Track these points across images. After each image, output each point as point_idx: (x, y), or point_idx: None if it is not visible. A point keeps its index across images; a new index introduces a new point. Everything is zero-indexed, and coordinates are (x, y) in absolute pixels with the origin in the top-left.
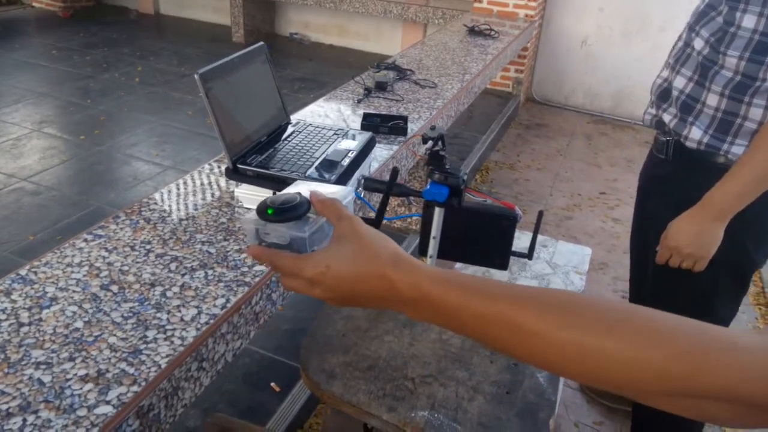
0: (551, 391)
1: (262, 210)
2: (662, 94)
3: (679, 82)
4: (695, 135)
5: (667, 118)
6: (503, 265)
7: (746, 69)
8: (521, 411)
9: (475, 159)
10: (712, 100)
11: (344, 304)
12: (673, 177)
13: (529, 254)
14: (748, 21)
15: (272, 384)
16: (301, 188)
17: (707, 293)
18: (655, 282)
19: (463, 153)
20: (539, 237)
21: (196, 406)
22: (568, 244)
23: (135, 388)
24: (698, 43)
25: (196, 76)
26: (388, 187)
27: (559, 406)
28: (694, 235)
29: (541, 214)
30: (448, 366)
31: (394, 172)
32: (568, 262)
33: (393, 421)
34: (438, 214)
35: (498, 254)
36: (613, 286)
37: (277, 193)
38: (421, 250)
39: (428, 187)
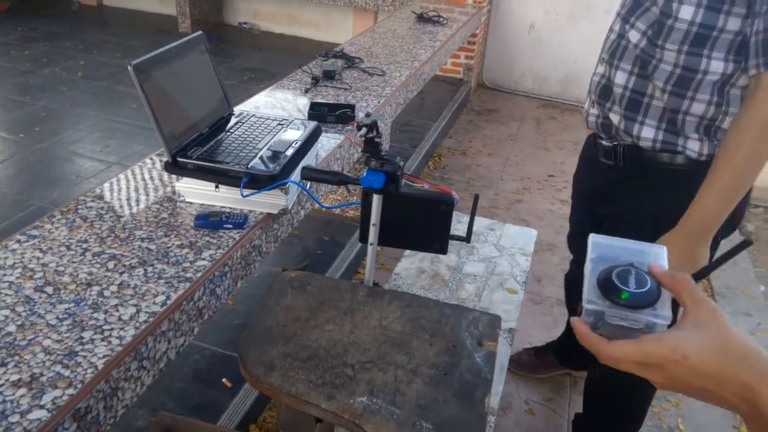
0: (488, 370)
1: (613, 291)
2: (603, 92)
3: (620, 78)
4: (648, 134)
5: (615, 118)
6: (442, 250)
7: (686, 62)
8: (458, 391)
9: (428, 146)
10: (657, 93)
11: (674, 390)
12: (629, 180)
13: (467, 238)
14: (685, 12)
15: (224, 380)
16: (615, 253)
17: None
18: None
19: (415, 140)
20: (487, 221)
21: (144, 406)
22: (515, 226)
23: (70, 390)
24: (634, 36)
25: (129, 67)
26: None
27: (509, 384)
28: (681, 262)
29: (476, 197)
30: (388, 351)
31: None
32: (515, 244)
33: (331, 409)
34: (376, 200)
35: (437, 239)
36: (561, 266)
37: (609, 262)
38: (362, 238)
39: (365, 174)
